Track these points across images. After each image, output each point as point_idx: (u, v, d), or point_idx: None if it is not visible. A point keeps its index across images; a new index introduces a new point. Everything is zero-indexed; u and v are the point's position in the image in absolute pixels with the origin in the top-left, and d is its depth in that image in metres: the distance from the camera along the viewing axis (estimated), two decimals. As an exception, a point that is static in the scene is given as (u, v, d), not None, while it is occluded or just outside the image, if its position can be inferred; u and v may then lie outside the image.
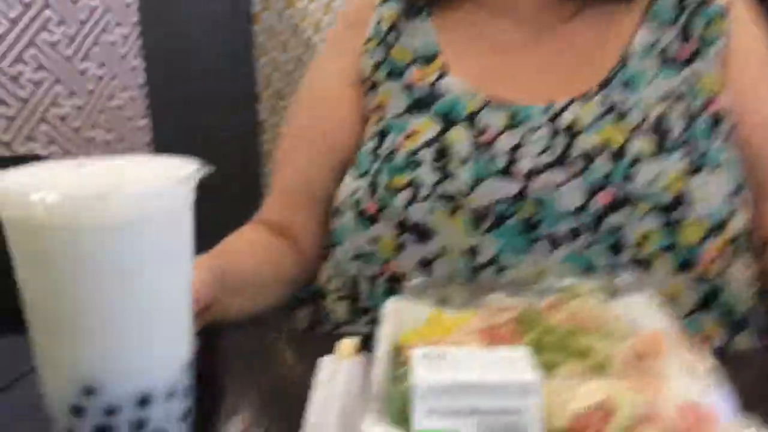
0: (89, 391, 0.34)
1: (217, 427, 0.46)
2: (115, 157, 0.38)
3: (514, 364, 0.37)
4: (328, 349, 0.53)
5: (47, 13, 1.58)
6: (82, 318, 0.33)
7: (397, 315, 0.49)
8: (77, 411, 0.35)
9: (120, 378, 0.35)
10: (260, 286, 0.67)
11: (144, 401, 0.35)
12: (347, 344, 0.53)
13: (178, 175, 0.34)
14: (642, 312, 0.46)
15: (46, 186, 0.33)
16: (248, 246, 0.70)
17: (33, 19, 1.54)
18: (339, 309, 0.69)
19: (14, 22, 1.48)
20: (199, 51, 2.37)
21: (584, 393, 0.38)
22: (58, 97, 1.64)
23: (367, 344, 0.54)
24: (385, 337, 0.47)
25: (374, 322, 0.65)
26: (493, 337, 0.43)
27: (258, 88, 2.88)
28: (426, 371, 0.36)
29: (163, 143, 2.24)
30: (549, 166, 0.61)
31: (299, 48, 2.82)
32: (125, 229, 0.32)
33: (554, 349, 0.41)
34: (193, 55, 2.33)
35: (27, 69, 1.53)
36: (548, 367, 0.39)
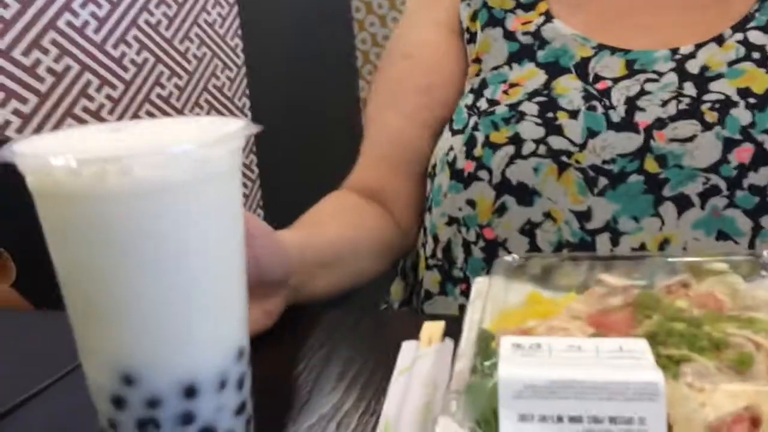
0: (129, 381, 0.30)
1: (287, 415, 0.42)
2: (161, 119, 0.34)
3: (631, 359, 0.29)
4: (411, 332, 0.48)
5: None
6: (113, 296, 0.29)
7: (488, 295, 0.43)
8: (118, 402, 0.31)
9: (161, 366, 0.30)
10: (354, 256, 0.62)
11: (190, 392, 0.31)
12: (431, 328, 0.48)
13: (215, 136, 0.29)
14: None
15: (72, 150, 0.29)
16: (338, 213, 0.65)
17: (133, 1, 1.56)
18: (431, 278, 0.63)
19: (115, 4, 1.51)
20: (297, 29, 2.36)
21: (721, 398, 0.30)
22: (160, 77, 1.67)
23: (455, 327, 0.48)
24: (472, 321, 0.40)
25: (468, 293, 0.59)
26: (602, 324, 0.36)
27: (357, 63, 2.86)
28: (517, 365, 0.30)
29: (263, 122, 2.26)
30: (677, 117, 0.52)
31: (398, 22, 2.76)
32: (153, 195, 0.28)
33: (681, 341, 0.33)
34: (291, 33, 2.33)
35: (130, 50, 1.56)
36: (673, 364, 0.32)
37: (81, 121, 1.42)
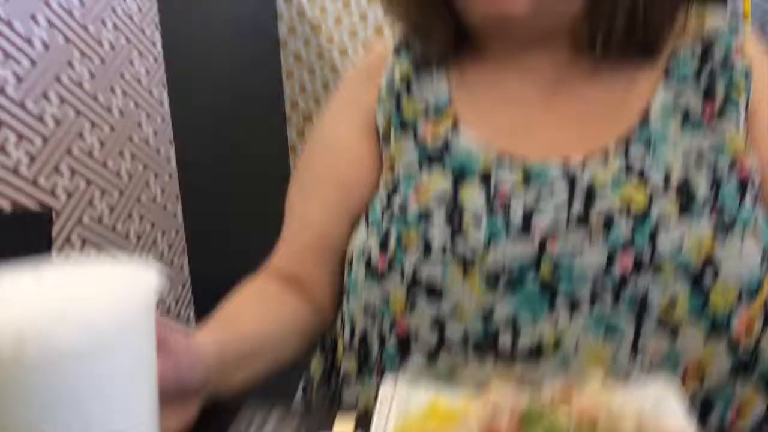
0: None
1: None
2: (75, 265, 0.35)
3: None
4: (328, 423, 0.50)
5: (70, 50, 1.59)
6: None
7: (393, 402, 0.46)
8: None
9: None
10: (272, 348, 0.64)
11: None
12: (343, 423, 0.50)
13: (131, 296, 0.31)
14: (661, 406, 0.42)
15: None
16: (257, 304, 0.67)
17: (55, 57, 1.55)
18: (349, 363, 0.66)
19: (35, 61, 1.50)
20: (225, 79, 2.37)
21: None
22: (82, 130, 1.65)
23: (368, 421, 0.50)
24: (378, 428, 0.43)
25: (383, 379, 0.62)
26: (492, 437, 0.39)
27: (286, 110, 2.89)
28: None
29: (190, 172, 2.25)
30: (568, 227, 0.57)
31: (326, 71, 2.82)
32: (72, 360, 0.29)
33: (559, 456, 0.37)
34: (219, 81, 2.34)
35: (51, 106, 1.54)
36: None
37: (-4, 179, 1.38)
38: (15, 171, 1.44)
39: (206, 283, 2.20)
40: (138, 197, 1.90)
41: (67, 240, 1.62)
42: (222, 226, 2.28)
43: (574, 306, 0.56)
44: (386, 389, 0.47)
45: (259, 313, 0.65)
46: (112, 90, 1.78)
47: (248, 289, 0.68)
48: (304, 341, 0.69)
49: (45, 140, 1.53)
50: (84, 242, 1.68)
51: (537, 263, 0.56)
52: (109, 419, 0.31)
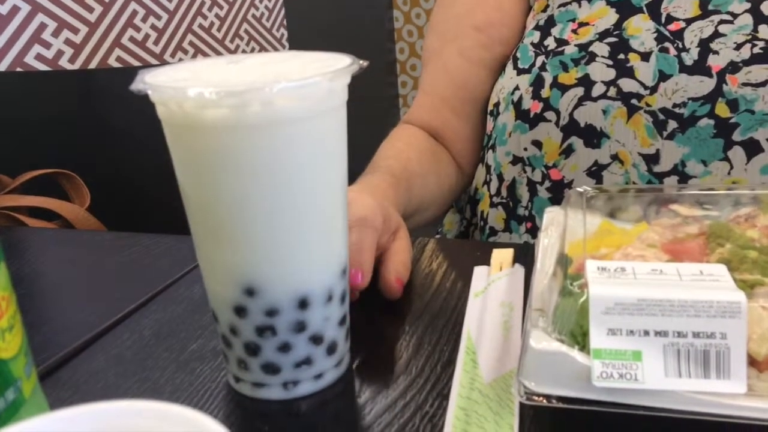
0: (250, 292, 0.34)
1: (371, 334, 0.45)
2: (266, 53, 0.36)
3: (712, 281, 0.32)
4: (480, 258, 0.51)
5: None
6: (240, 218, 0.32)
7: (559, 224, 0.45)
8: (239, 311, 0.34)
9: (280, 280, 0.34)
10: (429, 207, 0.64)
11: (303, 304, 0.35)
12: (501, 254, 0.51)
13: (334, 69, 0.31)
14: None
15: (201, 82, 0.32)
16: (422, 159, 0.65)
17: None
18: (495, 215, 0.65)
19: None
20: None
21: (793, 318, 0.32)
22: (202, 7, 1.67)
23: (520, 255, 0.51)
24: (546, 247, 0.43)
25: (533, 231, 0.61)
26: (677, 251, 0.38)
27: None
28: (605, 285, 0.32)
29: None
30: (751, 61, 0.52)
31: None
32: (283, 125, 0.30)
33: (754, 267, 0.35)
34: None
35: (173, -20, 1.56)
36: (747, 288, 0.34)
37: (129, 51, 1.44)
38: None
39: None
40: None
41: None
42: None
43: (751, 149, 0.52)
44: (553, 214, 0.47)
45: (427, 171, 0.64)
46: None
47: (411, 140, 0.67)
48: (450, 201, 0.69)
49: (170, 15, 1.56)
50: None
51: (713, 103, 0.52)
52: (314, 188, 0.32)
